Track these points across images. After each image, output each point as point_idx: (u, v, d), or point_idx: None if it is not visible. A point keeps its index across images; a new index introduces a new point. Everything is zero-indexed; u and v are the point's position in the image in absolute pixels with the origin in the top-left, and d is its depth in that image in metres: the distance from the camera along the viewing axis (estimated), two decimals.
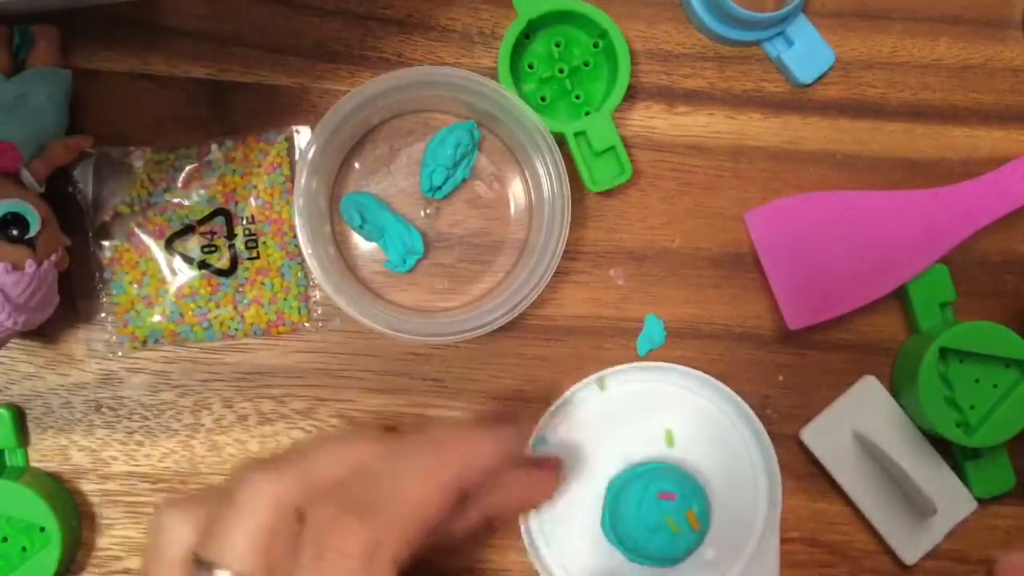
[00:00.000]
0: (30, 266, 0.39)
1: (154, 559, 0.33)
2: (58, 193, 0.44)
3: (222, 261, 0.45)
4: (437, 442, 0.33)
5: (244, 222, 0.45)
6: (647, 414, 0.47)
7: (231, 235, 0.45)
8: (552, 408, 0.46)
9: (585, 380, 0.46)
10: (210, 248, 0.45)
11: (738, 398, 0.46)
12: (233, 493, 0.32)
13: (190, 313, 0.45)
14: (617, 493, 0.45)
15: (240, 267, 0.45)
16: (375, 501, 0.31)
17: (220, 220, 0.45)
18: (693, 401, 0.47)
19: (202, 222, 0.45)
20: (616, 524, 0.45)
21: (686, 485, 0.44)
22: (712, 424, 0.47)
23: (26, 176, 0.41)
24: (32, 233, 0.39)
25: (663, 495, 0.43)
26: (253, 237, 0.45)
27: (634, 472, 0.45)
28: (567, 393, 0.46)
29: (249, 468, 0.33)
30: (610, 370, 0.46)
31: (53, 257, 0.41)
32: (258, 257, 0.45)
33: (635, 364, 0.47)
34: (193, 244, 0.45)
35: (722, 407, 0.47)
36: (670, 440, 0.47)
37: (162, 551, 0.33)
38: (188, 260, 0.45)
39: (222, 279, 0.45)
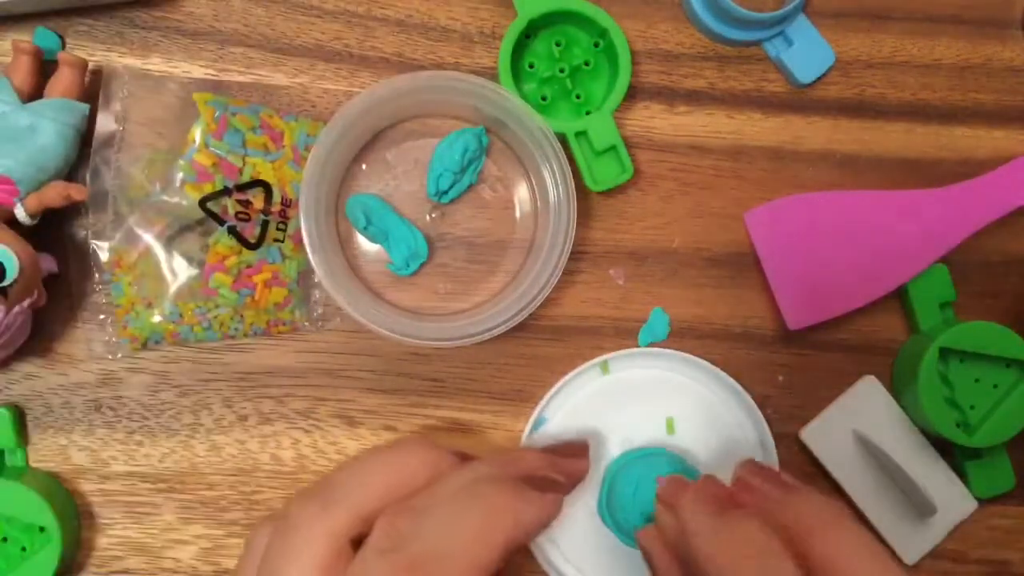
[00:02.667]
0: None
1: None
2: None
3: (251, 232, 0.44)
4: (490, 503, 0.34)
5: (280, 203, 0.45)
6: (649, 400, 0.47)
7: (266, 210, 0.45)
8: (554, 389, 0.46)
9: (589, 363, 0.46)
10: (244, 216, 0.44)
11: (740, 388, 0.46)
12: (287, 527, 0.33)
13: (190, 313, 0.45)
14: (614, 477, 0.45)
15: (264, 245, 0.45)
16: (436, 558, 0.31)
17: (259, 191, 0.44)
18: (695, 390, 0.47)
19: (241, 188, 0.44)
20: (612, 508, 0.45)
21: (684, 472, 0.44)
22: (713, 413, 0.47)
23: (19, 212, 0.41)
24: (7, 282, 0.39)
25: (661, 480, 0.43)
26: (284, 221, 0.45)
27: (632, 456, 0.45)
28: (570, 375, 0.46)
29: (301, 499, 0.33)
30: (614, 354, 0.47)
31: (26, 302, 0.40)
32: (283, 241, 0.45)
33: (639, 350, 0.47)
34: (193, 244, 0.45)
35: (724, 397, 0.47)
36: (671, 428, 0.47)
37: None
38: (188, 259, 0.45)
39: (246, 251, 0.44)
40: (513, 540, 0.33)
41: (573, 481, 0.40)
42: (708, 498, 0.38)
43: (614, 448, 0.47)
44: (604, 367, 0.47)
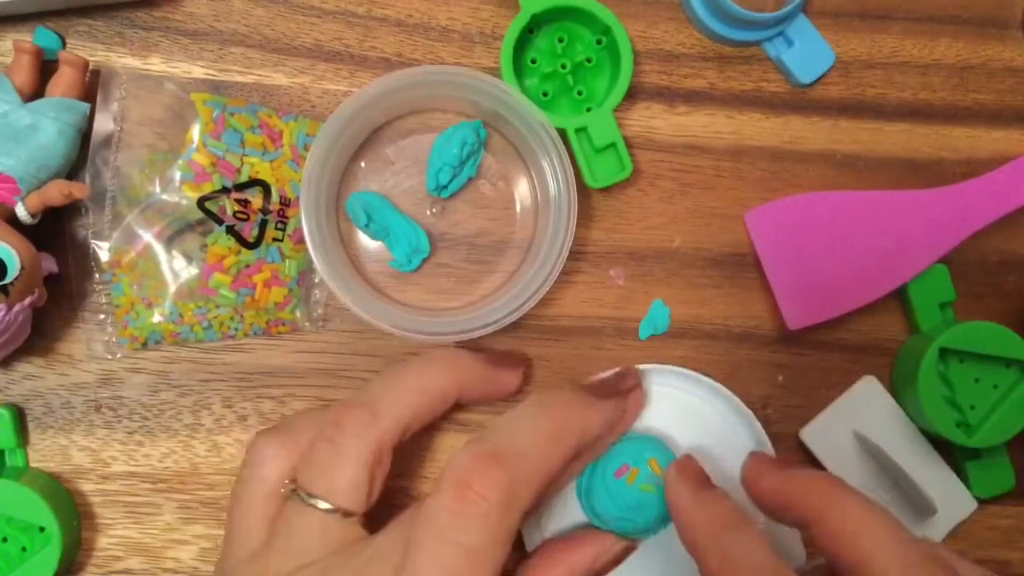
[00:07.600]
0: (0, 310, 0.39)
1: (248, 487, 0.38)
2: None
3: (249, 232, 0.44)
4: (560, 410, 0.38)
5: (279, 202, 0.45)
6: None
7: (265, 210, 0.44)
8: None
9: None
10: (243, 215, 0.44)
11: (704, 377, 0.45)
12: (332, 432, 0.36)
13: (190, 313, 0.45)
14: (587, 493, 0.43)
15: (263, 244, 0.45)
16: (513, 453, 0.34)
17: (257, 190, 0.44)
18: (672, 395, 0.46)
19: (239, 187, 0.44)
20: (607, 521, 0.43)
21: (635, 447, 0.42)
22: (691, 411, 0.46)
23: (21, 211, 0.41)
24: (8, 280, 0.39)
25: (618, 472, 0.42)
26: (283, 221, 0.45)
27: (590, 469, 0.44)
28: None
29: (347, 408, 0.37)
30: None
31: (27, 300, 0.40)
32: (282, 240, 0.45)
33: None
34: (192, 244, 0.45)
35: (707, 399, 0.46)
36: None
37: (256, 481, 0.38)
38: (188, 259, 0.45)
39: (245, 250, 0.44)
40: (582, 442, 0.37)
41: (501, 393, 0.42)
42: (689, 474, 0.40)
43: None
44: None
